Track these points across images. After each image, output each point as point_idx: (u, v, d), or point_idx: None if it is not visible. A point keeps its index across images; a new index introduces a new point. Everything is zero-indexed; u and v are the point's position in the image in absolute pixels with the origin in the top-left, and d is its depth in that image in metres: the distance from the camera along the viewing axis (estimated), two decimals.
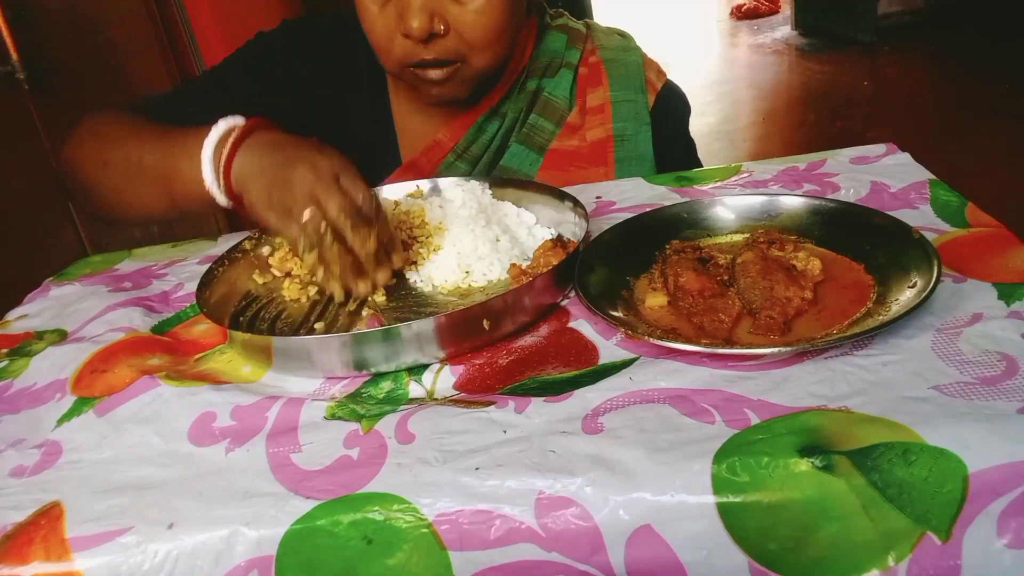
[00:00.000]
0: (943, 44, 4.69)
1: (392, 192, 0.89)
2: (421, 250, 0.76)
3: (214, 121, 0.72)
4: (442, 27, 0.83)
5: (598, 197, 0.88)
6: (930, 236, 0.64)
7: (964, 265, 0.61)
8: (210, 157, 0.70)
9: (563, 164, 0.98)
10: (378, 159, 1.03)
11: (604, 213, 0.83)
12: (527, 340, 0.62)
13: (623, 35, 1.05)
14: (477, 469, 0.48)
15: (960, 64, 4.37)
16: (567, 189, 0.83)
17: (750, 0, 6.31)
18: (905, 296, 0.56)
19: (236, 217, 0.73)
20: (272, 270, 0.79)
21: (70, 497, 0.52)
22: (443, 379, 0.59)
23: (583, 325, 0.62)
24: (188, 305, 0.78)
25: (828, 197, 0.76)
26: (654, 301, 0.63)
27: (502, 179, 0.86)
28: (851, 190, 0.79)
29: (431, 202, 0.83)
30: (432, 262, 0.74)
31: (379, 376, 0.61)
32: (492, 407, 0.53)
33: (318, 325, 0.69)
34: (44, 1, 1.83)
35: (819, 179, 0.83)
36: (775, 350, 0.53)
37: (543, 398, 0.54)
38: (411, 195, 0.88)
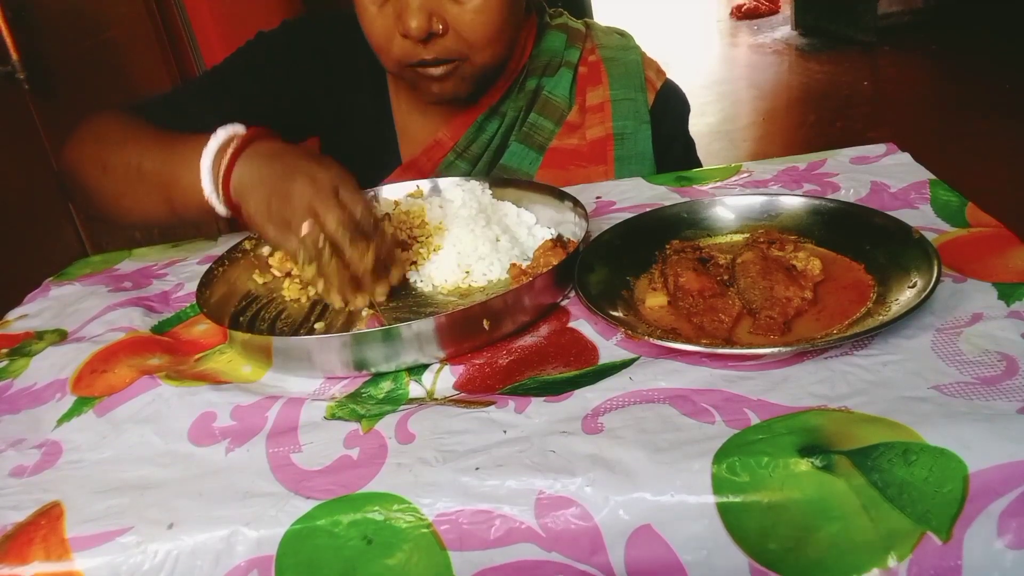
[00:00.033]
0: (943, 44, 4.69)
1: (392, 192, 0.89)
2: (421, 250, 0.76)
3: (213, 129, 0.72)
4: (440, 26, 0.83)
5: (598, 197, 0.88)
6: (930, 236, 0.64)
7: (964, 265, 0.61)
8: (209, 167, 0.70)
9: (563, 163, 0.98)
10: (378, 158, 1.03)
11: (604, 213, 0.83)
12: (527, 340, 0.62)
13: (622, 34, 1.05)
14: (477, 469, 0.48)
15: (960, 64, 4.37)
16: (567, 189, 0.83)
17: (750, 0, 6.31)
18: (905, 296, 0.56)
19: (235, 219, 0.73)
20: (272, 270, 0.79)
21: (70, 497, 0.52)
22: (443, 379, 0.59)
23: (583, 325, 0.62)
24: (188, 305, 0.78)
25: (828, 197, 0.76)
26: (654, 301, 0.63)
27: (502, 179, 0.86)
28: (851, 190, 0.79)
29: (431, 202, 0.83)
30: (432, 262, 0.74)
31: (379, 376, 0.61)
32: (492, 407, 0.53)
33: (318, 325, 0.69)
34: (44, 1, 1.83)
35: (819, 179, 0.83)
36: (775, 350, 0.53)
37: (543, 398, 0.54)
38: (411, 195, 0.88)
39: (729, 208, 0.73)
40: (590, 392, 0.53)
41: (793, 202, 0.71)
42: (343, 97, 1.01)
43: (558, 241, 0.73)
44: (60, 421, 0.61)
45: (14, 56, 1.69)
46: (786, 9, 5.98)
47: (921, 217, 0.71)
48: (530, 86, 0.98)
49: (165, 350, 0.68)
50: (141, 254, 0.96)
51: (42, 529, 0.49)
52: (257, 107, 0.95)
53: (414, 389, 0.58)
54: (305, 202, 0.64)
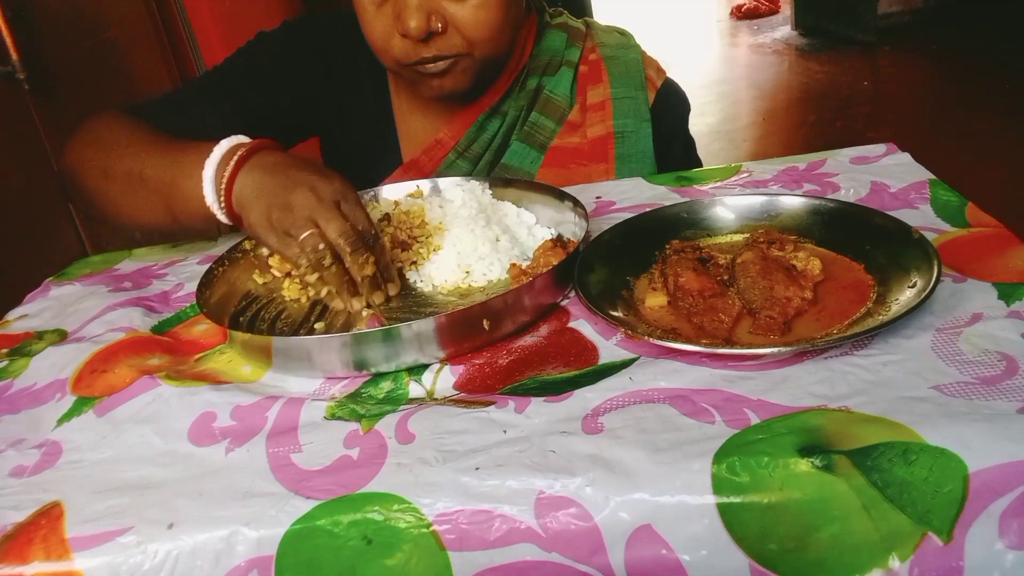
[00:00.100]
0: (943, 44, 4.69)
1: (392, 192, 0.89)
2: (421, 250, 0.76)
3: (215, 133, 0.72)
4: (440, 25, 0.83)
5: (598, 197, 0.88)
6: (930, 236, 0.64)
7: (964, 265, 0.61)
8: (212, 177, 0.70)
9: (564, 161, 0.98)
10: (379, 158, 1.03)
11: (604, 213, 0.83)
12: (527, 340, 0.62)
13: (623, 33, 1.05)
14: (477, 469, 0.48)
15: (960, 64, 4.37)
16: (567, 188, 0.83)
17: (750, 0, 6.31)
18: (905, 296, 0.56)
19: (238, 227, 0.73)
20: (272, 270, 0.79)
21: (70, 497, 0.52)
22: (443, 379, 0.59)
23: (583, 325, 0.62)
24: (188, 305, 0.78)
25: (828, 197, 0.76)
26: (654, 301, 0.63)
27: (502, 179, 0.86)
28: (851, 190, 0.79)
29: (431, 202, 0.83)
30: (432, 262, 0.74)
31: (379, 376, 0.61)
32: (492, 407, 0.53)
33: (318, 325, 0.69)
34: (44, 1, 1.83)
35: (819, 179, 0.83)
36: (775, 350, 0.53)
37: (543, 398, 0.54)
38: (411, 195, 0.88)
39: (729, 208, 0.73)
40: (590, 392, 0.53)
41: (793, 202, 0.71)
42: (344, 97, 1.01)
43: (558, 241, 0.73)
44: (60, 421, 0.61)
45: (14, 56, 1.69)
46: (786, 9, 5.98)
47: (921, 217, 0.71)
48: (531, 85, 0.99)
49: (165, 350, 0.68)
50: (141, 254, 0.96)
51: (42, 529, 0.49)
52: (258, 107, 0.95)
53: (414, 389, 0.58)
54: (307, 213, 0.65)
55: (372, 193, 0.89)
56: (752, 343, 0.57)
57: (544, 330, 0.63)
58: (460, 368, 0.60)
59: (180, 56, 2.14)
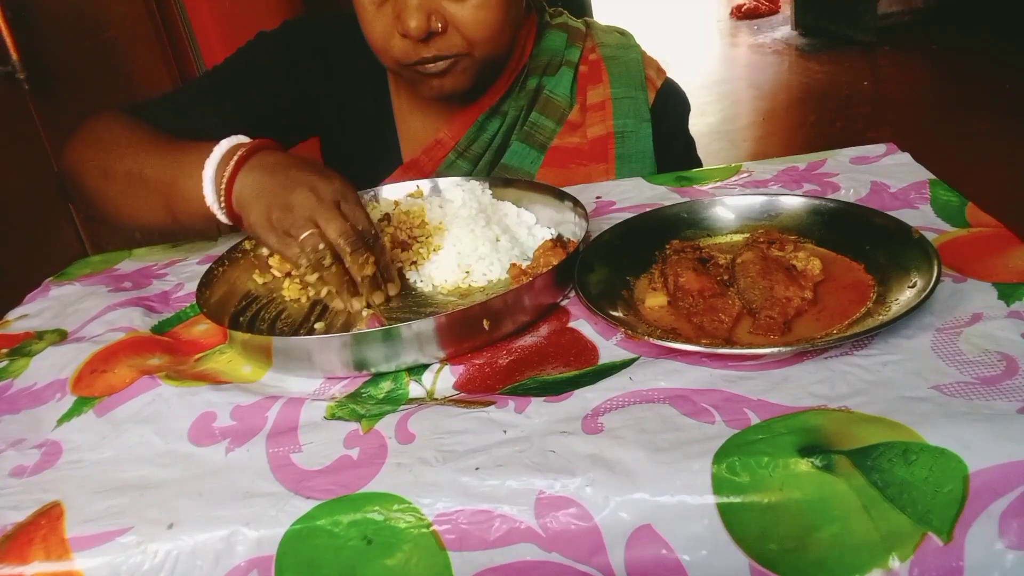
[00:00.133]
0: (943, 44, 4.68)
1: (392, 192, 0.89)
2: (421, 250, 0.76)
3: (215, 133, 0.72)
4: (440, 25, 0.83)
5: (598, 197, 0.88)
6: (930, 236, 0.64)
7: (964, 265, 0.61)
8: (212, 176, 0.70)
9: (564, 161, 0.98)
10: (379, 158, 1.03)
11: (604, 213, 0.83)
12: (527, 340, 0.62)
13: (623, 33, 1.05)
14: (477, 469, 0.48)
15: (960, 64, 4.37)
16: (567, 188, 0.83)
17: (750, 0, 6.31)
18: (905, 296, 0.56)
19: (238, 227, 0.73)
20: (272, 270, 0.79)
21: (70, 497, 0.52)
22: (443, 379, 0.59)
23: (583, 325, 0.62)
24: (188, 305, 0.78)
25: (828, 197, 0.76)
26: (654, 301, 0.63)
27: (502, 179, 0.86)
28: (851, 190, 0.79)
29: (431, 202, 0.83)
30: (432, 262, 0.74)
31: (379, 376, 0.61)
32: (492, 407, 0.53)
33: (318, 325, 0.69)
34: (44, 1, 1.83)
35: (819, 179, 0.83)
36: (775, 350, 0.53)
37: (543, 398, 0.54)
38: (411, 195, 0.88)
39: (729, 208, 0.73)
40: (590, 392, 0.53)
41: (793, 202, 0.71)
42: (344, 97, 1.01)
43: (558, 241, 0.73)
44: (60, 421, 0.61)
45: (14, 56, 1.69)
46: (786, 9, 5.98)
47: (921, 217, 0.71)
48: (531, 85, 0.99)
49: (165, 350, 0.68)
50: (141, 254, 0.96)
51: (42, 529, 0.49)
52: (258, 107, 0.95)
53: (414, 389, 0.58)
54: (306, 213, 0.65)
55: (372, 193, 0.89)
56: (752, 343, 0.57)
57: (544, 330, 0.63)
58: (460, 368, 0.60)
59: (180, 56, 2.14)
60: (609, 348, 0.59)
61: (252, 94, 0.95)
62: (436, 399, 0.57)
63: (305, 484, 0.49)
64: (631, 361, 0.56)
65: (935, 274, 0.56)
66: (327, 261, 0.65)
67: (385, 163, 1.02)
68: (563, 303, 0.66)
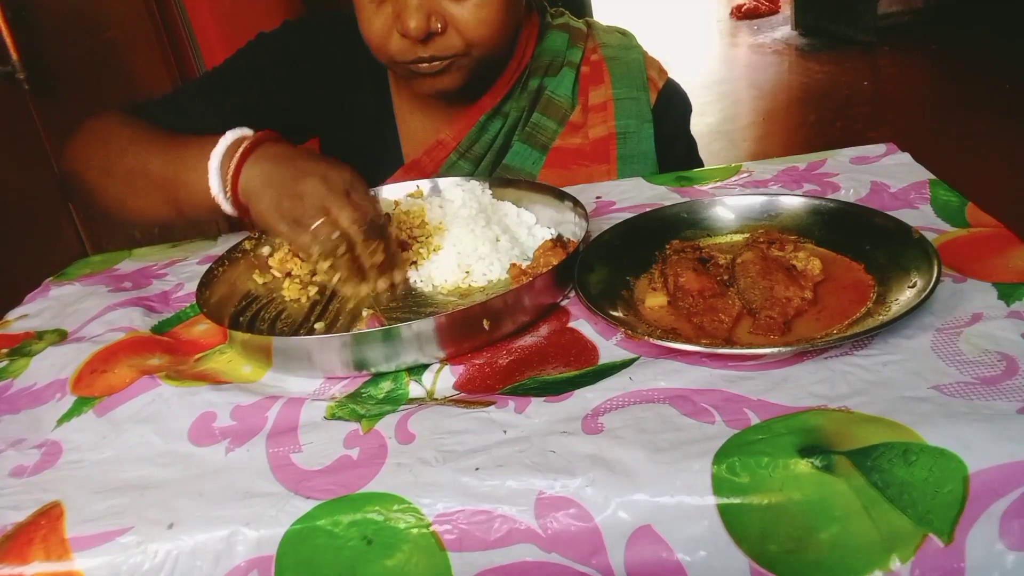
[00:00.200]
0: (943, 44, 4.68)
1: (392, 192, 0.89)
2: (421, 250, 0.76)
3: (217, 130, 0.72)
4: (439, 26, 0.83)
5: (598, 197, 0.88)
6: (930, 236, 0.64)
7: (964, 265, 0.61)
8: (217, 167, 0.71)
9: (566, 162, 0.98)
10: (380, 159, 1.03)
11: (604, 213, 0.83)
12: (527, 340, 0.62)
13: (624, 33, 1.05)
14: (477, 469, 0.48)
15: (960, 64, 4.37)
16: (568, 189, 0.83)
17: (750, 0, 6.31)
18: (905, 296, 0.56)
19: (237, 219, 0.73)
20: (272, 270, 0.79)
21: (70, 497, 0.52)
22: (443, 379, 0.59)
23: (583, 325, 0.62)
24: (188, 305, 0.78)
25: (828, 197, 0.76)
26: (654, 301, 0.63)
27: (502, 179, 0.86)
28: (851, 190, 0.79)
29: (431, 202, 0.83)
30: (432, 262, 0.74)
31: (379, 376, 0.61)
32: (492, 407, 0.53)
33: (318, 325, 0.69)
34: (44, 1, 1.83)
35: (819, 179, 0.83)
36: (775, 350, 0.53)
37: (543, 398, 0.54)
38: (411, 195, 0.88)
39: (729, 208, 0.73)
40: (590, 392, 0.53)
41: (793, 202, 0.71)
42: (344, 97, 1.01)
43: (558, 241, 0.73)
44: (60, 421, 0.61)
45: (14, 56, 1.69)
46: (786, 9, 5.97)
47: (921, 217, 0.71)
48: (532, 86, 0.98)
49: (165, 350, 0.68)
50: (141, 254, 0.96)
51: (42, 529, 0.49)
52: (258, 107, 0.95)
53: (414, 389, 0.58)
54: (318, 201, 0.65)
55: (372, 193, 0.89)
56: (752, 343, 0.57)
57: (544, 330, 0.63)
58: (460, 368, 0.60)
59: (180, 56, 2.14)
60: (609, 348, 0.59)
61: (252, 94, 0.95)
62: (436, 399, 0.57)
63: (305, 484, 0.49)
64: (631, 361, 0.56)
65: (935, 274, 0.56)
66: (340, 249, 0.65)
67: (386, 163, 1.02)
68: (563, 303, 0.66)
